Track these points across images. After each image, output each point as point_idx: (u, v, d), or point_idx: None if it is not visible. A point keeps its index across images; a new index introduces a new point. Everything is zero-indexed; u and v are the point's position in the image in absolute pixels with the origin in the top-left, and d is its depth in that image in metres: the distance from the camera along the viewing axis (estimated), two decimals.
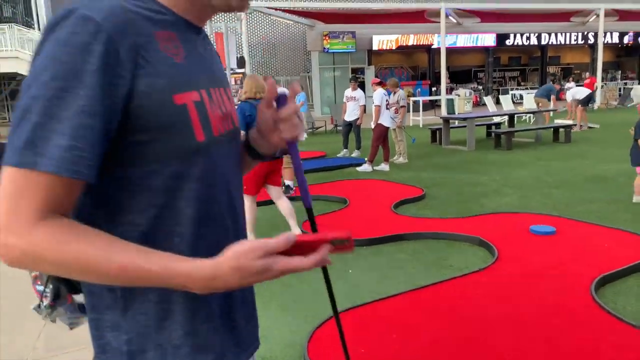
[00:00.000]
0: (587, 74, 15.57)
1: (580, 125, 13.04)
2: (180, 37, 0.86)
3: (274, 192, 4.75)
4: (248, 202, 4.45)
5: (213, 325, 0.90)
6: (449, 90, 20.39)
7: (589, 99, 13.31)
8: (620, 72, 30.04)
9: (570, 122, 12.38)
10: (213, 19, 15.13)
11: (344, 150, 10.31)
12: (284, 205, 4.76)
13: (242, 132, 1.06)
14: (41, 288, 0.93)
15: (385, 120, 8.47)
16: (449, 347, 2.67)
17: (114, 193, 0.81)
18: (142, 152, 0.80)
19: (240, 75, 17.54)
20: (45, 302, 0.93)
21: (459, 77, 26.10)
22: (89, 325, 0.90)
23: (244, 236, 0.99)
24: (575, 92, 13.94)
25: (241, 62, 17.73)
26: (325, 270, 1.01)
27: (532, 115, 14.32)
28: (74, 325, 0.99)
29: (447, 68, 19.57)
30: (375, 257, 4.26)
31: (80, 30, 0.72)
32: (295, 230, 4.83)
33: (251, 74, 6.60)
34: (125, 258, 0.74)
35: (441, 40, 18.64)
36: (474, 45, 24.12)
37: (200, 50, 0.92)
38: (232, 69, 17.12)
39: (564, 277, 3.54)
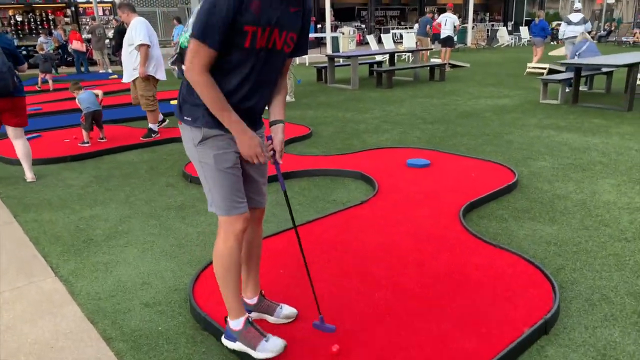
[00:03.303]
0: (435, 15, 16.44)
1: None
2: (264, 1, 1.83)
3: (11, 132, 4.73)
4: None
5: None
6: (334, 28, 20.37)
7: (447, 40, 14.06)
8: (488, 14, 32.11)
9: (440, 61, 13.06)
10: None
11: None
12: (19, 146, 4.75)
13: None
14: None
15: None
16: (332, 278, 2.77)
17: (218, 60, 1.86)
18: (229, 43, 1.83)
19: (109, 4, 15.92)
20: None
21: (342, 15, 26.13)
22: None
23: (259, 98, 2.03)
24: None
25: None
26: (286, 195, 2.19)
27: (411, 54, 14.86)
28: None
29: (332, 5, 19.42)
30: None
31: None
32: (28, 174, 4.82)
33: (125, 2, 5.97)
34: (225, 107, 1.88)
35: None
36: None
37: (274, 6, 1.86)
38: None
39: (436, 205, 3.81)
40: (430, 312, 2.43)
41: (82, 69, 15.05)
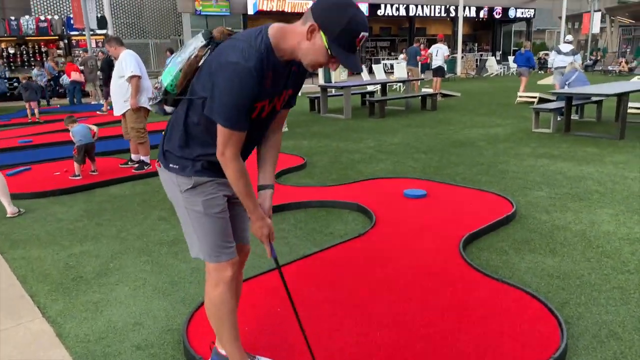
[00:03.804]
0: (422, 45, 16.79)
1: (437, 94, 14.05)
2: (275, 72, 1.75)
3: None
4: None
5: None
6: None
7: (438, 69, 14.31)
8: (477, 44, 32.75)
9: (432, 91, 13.21)
10: None
11: None
12: None
13: None
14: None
15: None
16: (331, 316, 2.68)
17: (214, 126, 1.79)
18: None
19: (102, 37, 16.02)
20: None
21: None
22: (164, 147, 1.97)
23: (251, 150, 2.00)
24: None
25: (102, 23, 16.13)
26: (277, 262, 2.07)
27: (402, 84, 15.02)
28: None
29: None
30: None
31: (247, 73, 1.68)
32: (8, 209, 4.71)
33: (112, 36, 6.00)
34: (251, 193, 1.86)
35: None
36: None
37: (285, 75, 1.81)
38: (92, 30, 15.52)
39: (435, 237, 3.74)
40: (435, 354, 2.34)
41: (75, 100, 15.03)
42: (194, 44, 1.85)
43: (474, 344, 2.40)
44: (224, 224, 1.95)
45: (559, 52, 11.61)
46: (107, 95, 13.10)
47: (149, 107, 6.03)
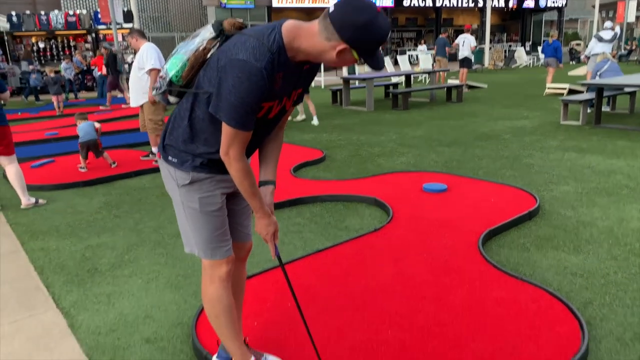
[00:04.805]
0: (451, 36, 16.51)
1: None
2: (285, 73, 1.67)
3: (2, 160, 4.76)
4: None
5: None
6: None
7: (464, 60, 14.01)
8: (505, 34, 32.00)
9: (458, 82, 12.95)
10: None
11: None
12: (9, 172, 4.75)
13: None
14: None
15: None
16: (342, 312, 2.62)
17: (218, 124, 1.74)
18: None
19: (128, 30, 16.20)
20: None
21: None
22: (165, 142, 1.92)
23: (256, 149, 1.96)
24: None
25: (128, 16, 16.32)
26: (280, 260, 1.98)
27: (427, 75, 14.77)
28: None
29: None
30: None
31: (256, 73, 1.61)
32: (24, 200, 4.81)
33: (135, 28, 6.04)
34: (256, 192, 1.81)
35: None
36: None
37: (296, 75, 1.73)
38: (118, 24, 15.71)
39: (453, 233, 3.64)
40: (448, 354, 2.25)
41: (104, 93, 15.27)
42: (202, 34, 1.78)
43: (489, 344, 2.31)
44: (220, 222, 1.91)
45: (600, 39, 11.11)
46: (110, 87, 13.26)
47: None
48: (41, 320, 2.78)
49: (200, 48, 1.76)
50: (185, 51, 1.79)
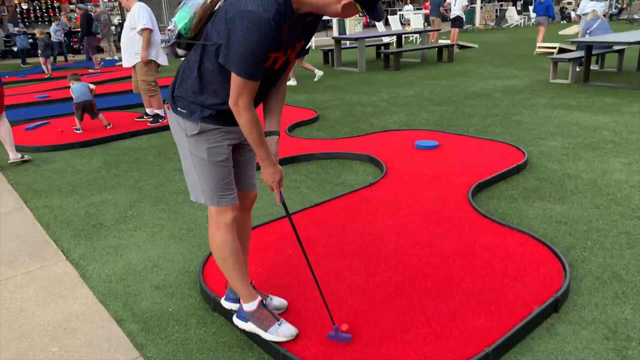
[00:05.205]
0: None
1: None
2: (291, 24, 1.75)
3: None
4: None
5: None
6: None
7: (455, 20, 13.92)
8: None
9: (449, 42, 12.90)
10: None
11: None
12: (1, 129, 4.84)
13: None
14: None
15: None
16: (340, 259, 2.78)
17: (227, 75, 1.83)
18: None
19: None
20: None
21: None
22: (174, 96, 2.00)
23: (262, 100, 2.05)
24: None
25: None
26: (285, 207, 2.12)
27: (418, 35, 14.68)
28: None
29: None
30: None
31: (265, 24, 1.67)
32: (12, 155, 4.93)
33: None
34: (263, 141, 1.88)
35: None
36: None
37: (300, 27, 1.81)
38: None
39: (445, 186, 3.79)
40: (439, 292, 2.43)
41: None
42: None
43: (478, 283, 2.48)
44: (227, 172, 2.01)
45: None
46: (92, 51, 13.01)
47: (159, 62, 6.04)
48: (53, 271, 2.91)
49: (208, 0, 1.82)
50: (192, 4, 1.85)
